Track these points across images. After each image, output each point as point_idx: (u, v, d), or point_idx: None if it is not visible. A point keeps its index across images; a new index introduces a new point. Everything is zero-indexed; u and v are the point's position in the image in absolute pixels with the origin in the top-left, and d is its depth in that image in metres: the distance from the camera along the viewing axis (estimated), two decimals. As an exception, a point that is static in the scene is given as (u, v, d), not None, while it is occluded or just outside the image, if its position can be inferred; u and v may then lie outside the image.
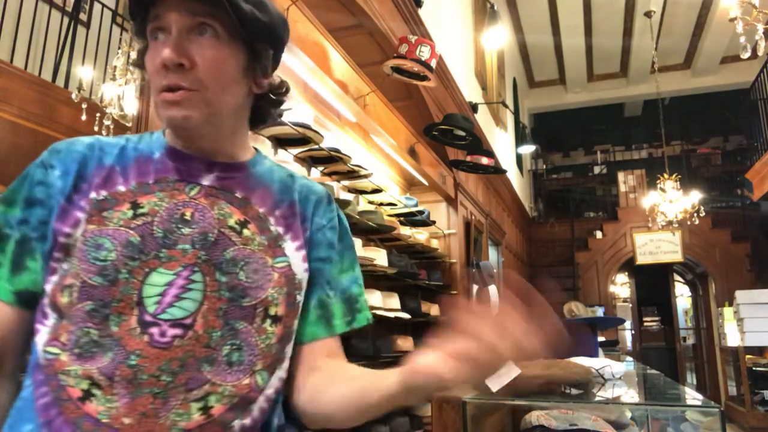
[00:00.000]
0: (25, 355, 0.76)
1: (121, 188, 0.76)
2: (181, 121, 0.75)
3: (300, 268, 0.82)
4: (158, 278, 0.72)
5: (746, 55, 3.01)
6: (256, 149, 0.90)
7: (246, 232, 0.78)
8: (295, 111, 2.47)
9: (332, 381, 0.80)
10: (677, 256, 8.90)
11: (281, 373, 0.79)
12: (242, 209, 0.80)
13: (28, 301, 0.75)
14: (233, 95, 0.79)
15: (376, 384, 0.75)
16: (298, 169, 2.86)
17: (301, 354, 0.84)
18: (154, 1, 0.74)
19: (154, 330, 0.69)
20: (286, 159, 2.70)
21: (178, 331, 0.70)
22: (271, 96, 0.86)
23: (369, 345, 3.06)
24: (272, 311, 0.77)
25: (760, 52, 2.85)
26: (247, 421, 0.73)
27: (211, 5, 0.74)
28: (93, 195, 0.75)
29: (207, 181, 0.80)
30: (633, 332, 10.57)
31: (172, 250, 0.73)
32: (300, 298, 0.82)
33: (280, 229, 0.82)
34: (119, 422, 0.66)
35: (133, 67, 0.94)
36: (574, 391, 1.28)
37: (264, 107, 0.87)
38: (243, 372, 0.73)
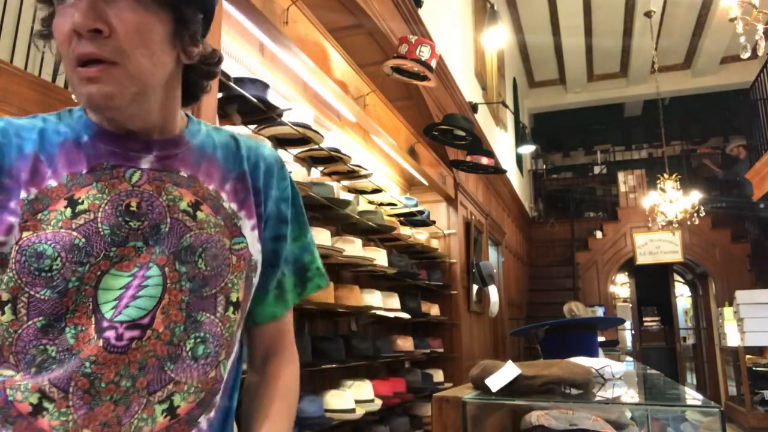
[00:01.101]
0: None
1: (52, 182, 0.67)
2: (102, 100, 0.65)
3: (255, 248, 0.77)
4: (112, 281, 0.66)
5: (746, 55, 3.01)
6: (187, 115, 0.81)
7: (200, 214, 0.72)
8: (295, 111, 2.47)
9: (257, 397, 0.82)
10: (677, 256, 8.90)
11: (234, 357, 0.76)
12: (192, 189, 0.73)
13: None
14: (160, 66, 0.68)
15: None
16: (299, 170, 2.86)
17: (259, 335, 0.83)
18: None
19: (110, 334, 0.64)
20: (286, 159, 2.71)
21: (135, 333, 0.65)
22: (203, 66, 0.77)
23: (369, 345, 3.06)
24: (233, 297, 0.74)
25: (760, 52, 2.85)
26: (212, 414, 0.71)
27: None
28: (23, 194, 0.66)
29: (146, 163, 0.72)
30: (633, 332, 10.57)
31: (122, 248, 0.67)
32: (255, 280, 0.78)
33: (234, 206, 0.76)
34: None
35: (37, 38, 0.71)
36: (574, 391, 1.28)
37: (195, 80, 0.78)
38: (210, 365, 0.71)
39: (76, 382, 0.62)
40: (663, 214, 7.10)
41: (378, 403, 2.93)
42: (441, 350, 4.25)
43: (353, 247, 2.95)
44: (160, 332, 0.66)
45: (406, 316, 3.47)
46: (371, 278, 3.65)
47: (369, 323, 3.61)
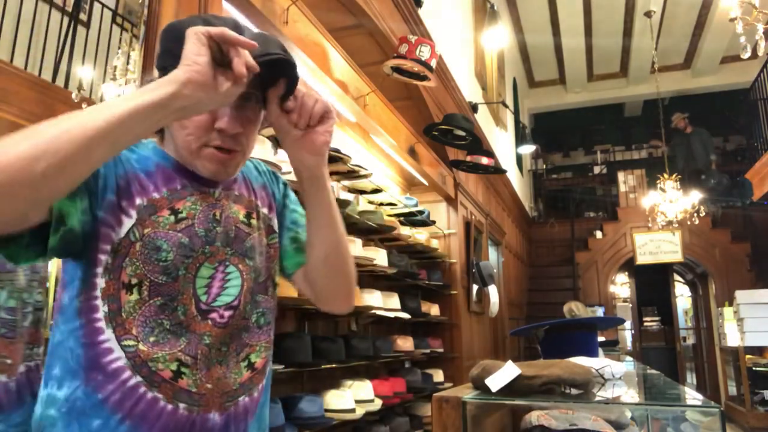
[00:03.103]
0: None
1: (156, 195, 0.86)
2: (221, 177, 0.90)
3: (278, 233, 1.03)
4: (204, 271, 0.87)
5: (746, 55, 3.01)
6: None
7: (253, 222, 0.96)
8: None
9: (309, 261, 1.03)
10: (677, 256, 8.90)
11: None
12: (244, 203, 0.96)
13: (64, 251, 0.79)
14: (254, 141, 0.93)
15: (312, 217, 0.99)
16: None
17: (298, 279, 1.04)
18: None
19: (214, 315, 0.87)
20: (286, 159, 2.70)
21: (230, 312, 0.89)
22: None
23: (369, 345, 3.06)
24: (276, 280, 1.01)
25: (760, 52, 2.85)
26: (270, 364, 0.98)
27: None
28: (139, 201, 0.85)
29: (217, 187, 0.93)
30: (633, 332, 10.57)
31: (212, 246, 0.89)
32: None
33: (266, 210, 1.01)
34: (204, 388, 0.84)
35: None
36: (574, 391, 1.28)
37: None
38: (270, 330, 0.98)
39: (201, 351, 0.84)
40: (663, 214, 7.10)
41: (378, 403, 2.93)
42: (441, 350, 4.24)
43: (353, 247, 2.95)
44: (241, 310, 0.90)
45: (406, 316, 3.47)
46: (371, 278, 3.64)
47: (369, 323, 3.61)
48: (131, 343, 0.81)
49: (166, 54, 0.84)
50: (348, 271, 1.03)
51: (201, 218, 0.89)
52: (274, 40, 0.84)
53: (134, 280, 0.82)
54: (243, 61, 0.73)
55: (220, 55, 0.74)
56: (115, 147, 0.71)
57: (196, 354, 0.84)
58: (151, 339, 0.82)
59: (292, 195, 1.10)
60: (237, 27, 0.83)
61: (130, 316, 0.82)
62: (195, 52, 0.72)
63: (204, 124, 0.85)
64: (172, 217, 0.86)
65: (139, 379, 0.80)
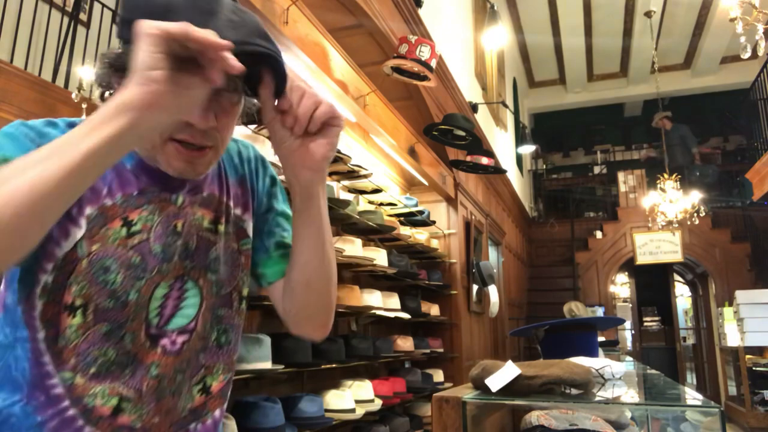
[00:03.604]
0: None
1: (108, 201, 0.74)
2: (189, 175, 0.76)
3: (251, 235, 0.89)
4: (159, 292, 0.76)
5: (746, 55, 3.01)
6: None
7: (220, 227, 0.83)
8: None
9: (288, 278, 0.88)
10: (677, 256, 8.90)
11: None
12: (211, 207, 0.83)
13: None
14: (231, 134, 0.79)
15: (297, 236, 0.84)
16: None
17: (276, 291, 0.90)
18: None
19: (165, 341, 0.76)
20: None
21: (185, 337, 0.78)
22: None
23: (369, 345, 3.06)
24: (244, 293, 0.87)
25: (760, 52, 2.85)
26: (230, 387, 0.87)
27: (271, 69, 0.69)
28: (89, 210, 0.73)
29: (184, 188, 0.80)
30: (633, 332, 10.57)
31: (169, 263, 0.77)
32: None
33: (239, 211, 0.87)
34: (149, 423, 0.75)
35: (101, 74, 0.75)
36: (574, 391, 1.28)
37: None
38: (232, 351, 0.85)
39: (148, 383, 0.75)
40: (663, 214, 7.09)
41: (378, 403, 2.93)
42: (441, 350, 4.25)
43: (353, 247, 2.95)
44: (199, 332, 0.79)
45: (406, 316, 3.47)
46: (371, 278, 3.65)
47: (369, 323, 3.61)
48: (68, 375, 0.72)
49: (128, 25, 0.64)
50: (330, 301, 0.88)
51: (158, 232, 0.76)
52: (252, 22, 0.68)
53: (78, 301, 0.71)
54: (219, 67, 0.60)
55: (186, 53, 0.60)
56: (72, 199, 0.59)
57: (141, 388, 0.74)
58: (92, 371, 0.72)
59: (280, 193, 0.95)
60: None
61: (70, 343, 0.71)
62: (150, 65, 0.57)
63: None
64: (124, 230, 0.74)
65: (75, 411, 0.72)
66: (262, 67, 0.69)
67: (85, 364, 0.72)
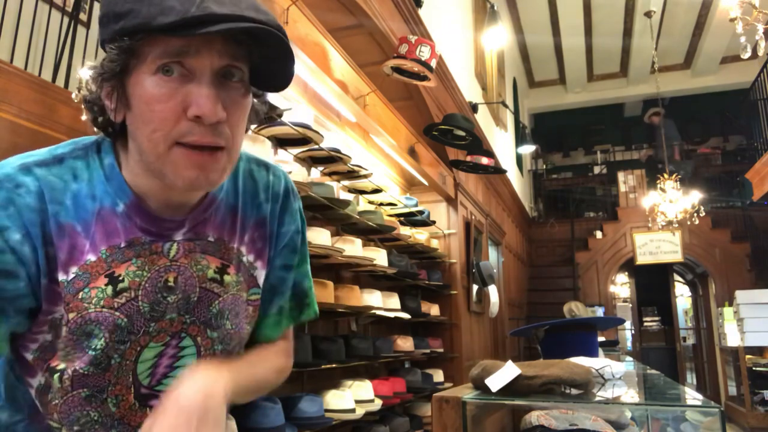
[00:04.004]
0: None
1: (91, 257, 0.67)
2: (203, 185, 0.65)
3: (263, 287, 0.82)
4: (148, 353, 0.71)
5: (746, 55, 3.01)
6: None
7: (226, 278, 0.76)
8: (295, 111, 2.47)
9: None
10: (677, 256, 8.90)
11: None
12: (218, 253, 0.75)
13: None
14: (243, 138, 0.70)
15: None
16: (299, 170, 2.86)
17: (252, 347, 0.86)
18: (190, 29, 0.58)
19: (154, 402, 0.71)
20: (286, 159, 2.71)
21: None
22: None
23: (369, 345, 3.06)
24: (244, 342, 0.83)
25: (760, 52, 2.85)
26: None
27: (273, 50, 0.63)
28: (62, 277, 0.67)
29: (180, 235, 0.72)
30: (633, 332, 10.57)
31: (160, 322, 0.71)
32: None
33: (251, 258, 0.79)
34: None
35: (92, 83, 0.66)
36: (574, 391, 1.28)
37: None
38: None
39: None
40: (663, 214, 7.09)
41: (378, 403, 2.93)
42: (441, 350, 4.24)
43: (353, 247, 2.95)
44: None
45: (406, 316, 3.47)
46: (371, 278, 3.65)
47: (369, 323, 3.61)
48: (56, 425, 0.71)
49: (114, 18, 0.61)
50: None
51: (147, 289, 0.69)
52: None
53: (60, 365, 0.68)
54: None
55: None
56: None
57: None
58: (75, 428, 0.70)
59: (305, 238, 0.87)
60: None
61: (54, 400, 0.70)
62: None
63: (171, 114, 0.61)
64: (110, 288, 0.67)
65: None
66: (265, 39, 0.61)
67: (68, 421, 0.70)
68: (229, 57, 0.63)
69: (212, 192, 0.74)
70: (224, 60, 0.63)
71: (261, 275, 0.81)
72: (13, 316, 0.65)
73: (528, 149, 7.06)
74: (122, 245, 0.69)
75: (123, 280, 0.68)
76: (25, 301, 0.66)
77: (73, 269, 0.67)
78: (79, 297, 0.67)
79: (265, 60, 0.64)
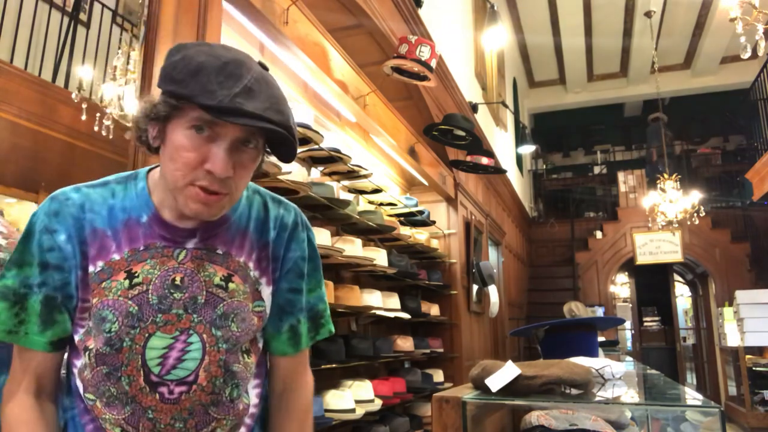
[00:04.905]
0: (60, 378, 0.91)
1: (116, 256, 0.85)
2: (205, 217, 0.83)
3: (268, 305, 0.95)
4: (157, 342, 0.83)
5: (746, 55, 3.00)
6: None
7: (231, 285, 0.89)
8: (295, 111, 2.47)
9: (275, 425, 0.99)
10: (677, 256, 8.90)
11: (255, 383, 0.96)
12: (225, 264, 0.89)
13: (61, 344, 0.87)
14: (248, 181, 0.87)
15: None
16: (299, 170, 2.86)
17: (274, 369, 1.00)
18: (221, 115, 0.75)
19: (163, 389, 0.83)
20: (286, 159, 2.70)
21: (183, 388, 0.84)
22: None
23: (369, 345, 3.06)
24: (260, 339, 0.96)
25: (760, 52, 2.84)
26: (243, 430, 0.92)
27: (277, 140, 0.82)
28: (91, 269, 0.84)
29: (191, 243, 0.88)
30: (633, 332, 10.57)
31: (167, 314, 0.84)
32: (264, 324, 0.96)
33: (257, 274, 0.93)
34: None
35: (138, 119, 0.87)
36: (574, 391, 1.28)
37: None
38: (240, 400, 0.90)
39: (143, 424, 0.83)
40: (663, 214, 7.10)
41: (378, 403, 2.93)
42: (441, 350, 4.24)
43: (353, 247, 2.95)
44: (203, 385, 0.85)
45: (406, 316, 3.47)
46: (371, 278, 3.65)
47: (369, 323, 3.61)
48: (91, 397, 0.85)
49: (170, 81, 0.78)
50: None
51: (156, 284, 0.84)
52: (269, 94, 0.80)
53: (90, 344, 0.84)
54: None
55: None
56: None
57: (138, 425, 0.83)
58: (104, 399, 0.84)
59: (316, 258, 1.01)
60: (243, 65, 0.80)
61: (87, 374, 0.85)
62: None
63: (193, 162, 0.79)
64: (127, 282, 0.84)
65: (97, 426, 0.85)
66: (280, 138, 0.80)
67: (98, 393, 0.83)
68: (247, 132, 0.80)
69: (226, 213, 0.89)
70: (243, 134, 0.80)
71: (265, 291, 0.94)
72: (62, 302, 0.84)
73: (528, 149, 7.06)
74: (141, 248, 0.86)
75: (138, 276, 0.84)
76: (69, 289, 0.84)
77: (100, 263, 0.85)
78: (102, 286, 0.83)
79: (275, 142, 0.84)
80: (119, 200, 0.88)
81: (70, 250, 0.84)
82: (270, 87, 0.80)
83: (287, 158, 0.85)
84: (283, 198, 1.00)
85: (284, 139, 0.80)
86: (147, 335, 0.83)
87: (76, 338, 0.86)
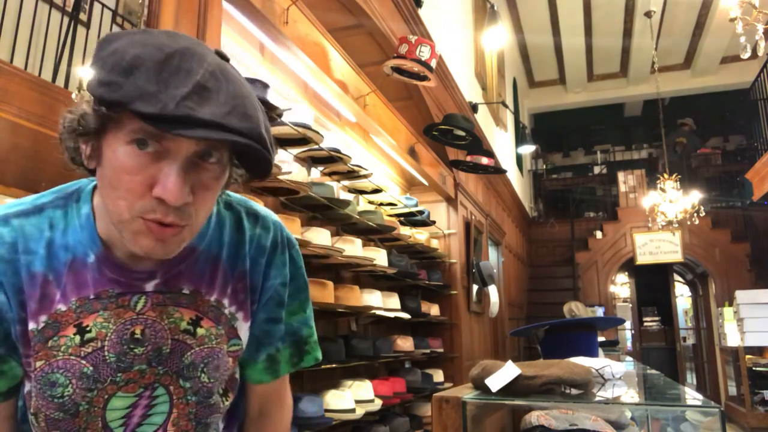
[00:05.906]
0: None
1: (62, 307, 0.70)
2: (159, 255, 0.65)
3: (245, 342, 0.82)
4: (118, 402, 0.71)
5: (746, 55, 3.01)
6: None
7: (200, 330, 0.75)
8: (295, 111, 2.47)
9: None
10: (677, 256, 8.90)
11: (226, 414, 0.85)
12: (193, 305, 0.75)
13: (12, 392, 0.74)
14: (211, 210, 0.70)
15: None
16: (299, 170, 2.86)
17: (249, 393, 0.89)
18: (166, 125, 0.57)
19: None
20: (286, 159, 2.71)
21: None
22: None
23: (369, 345, 3.06)
24: (236, 381, 0.84)
25: (760, 52, 2.85)
26: None
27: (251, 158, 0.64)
28: (32, 326, 0.69)
29: (151, 286, 0.72)
30: (633, 332, 10.57)
31: (128, 372, 0.71)
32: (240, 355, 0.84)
33: (233, 309, 0.79)
34: None
35: (69, 134, 0.66)
36: (574, 391, 1.28)
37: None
38: None
39: None
40: (663, 214, 7.10)
41: (378, 403, 2.93)
42: (441, 350, 4.25)
43: (353, 247, 2.95)
44: None
45: (406, 316, 3.47)
46: (371, 278, 3.65)
47: (369, 323, 3.61)
48: None
49: (97, 83, 0.58)
50: None
51: (113, 340, 0.70)
52: (229, 91, 0.60)
53: (33, 408, 0.71)
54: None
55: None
56: None
57: None
58: None
59: (299, 279, 0.86)
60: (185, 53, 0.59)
61: None
62: None
63: (138, 188, 0.61)
64: (78, 338, 0.69)
65: None
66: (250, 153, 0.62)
67: None
68: (206, 144, 0.62)
69: (191, 243, 0.72)
70: (200, 146, 0.62)
71: (242, 327, 0.80)
72: (6, 353, 0.70)
73: (528, 149, 7.06)
74: (91, 297, 0.70)
75: (90, 331, 0.70)
76: (11, 341, 0.70)
77: (43, 318, 0.69)
78: (48, 345, 0.69)
79: (244, 154, 0.66)
80: (59, 234, 0.71)
81: (4, 300, 0.68)
82: (231, 83, 0.61)
83: (260, 173, 0.68)
84: (261, 210, 0.83)
85: (254, 150, 0.61)
86: (106, 396, 0.70)
87: (21, 399, 0.74)
